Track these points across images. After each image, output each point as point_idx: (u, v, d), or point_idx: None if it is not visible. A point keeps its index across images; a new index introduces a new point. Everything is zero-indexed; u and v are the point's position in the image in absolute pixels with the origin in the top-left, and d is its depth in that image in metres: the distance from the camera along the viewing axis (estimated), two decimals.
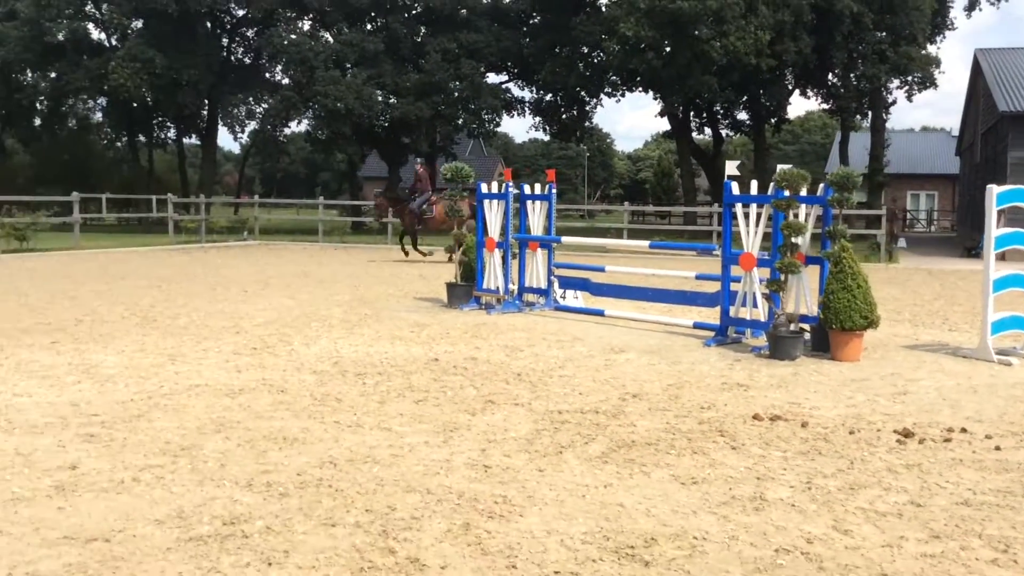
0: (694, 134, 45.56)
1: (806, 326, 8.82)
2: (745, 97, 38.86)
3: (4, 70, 42.46)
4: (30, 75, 44.95)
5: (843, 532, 4.01)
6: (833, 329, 8.22)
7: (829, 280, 8.36)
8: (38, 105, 46.58)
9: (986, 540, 3.93)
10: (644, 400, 6.58)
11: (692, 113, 42.10)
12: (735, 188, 9.27)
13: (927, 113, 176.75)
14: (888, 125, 40.58)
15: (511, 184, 11.71)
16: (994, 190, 8.45)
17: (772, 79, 34.74)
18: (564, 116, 45.00)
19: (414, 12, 42.51)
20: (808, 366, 8.01)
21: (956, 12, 60.29)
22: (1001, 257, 9.26)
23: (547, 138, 56.25)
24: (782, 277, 8.57)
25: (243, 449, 5.18)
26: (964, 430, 5.77)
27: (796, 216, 8.78)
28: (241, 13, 43.94)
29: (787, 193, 8.60)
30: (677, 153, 43.89)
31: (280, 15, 41.84)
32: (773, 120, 40.37)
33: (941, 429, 5.79)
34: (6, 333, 9.28)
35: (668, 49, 33.42)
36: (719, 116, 43.00)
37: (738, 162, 9.79)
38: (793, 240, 8.54)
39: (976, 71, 32.93)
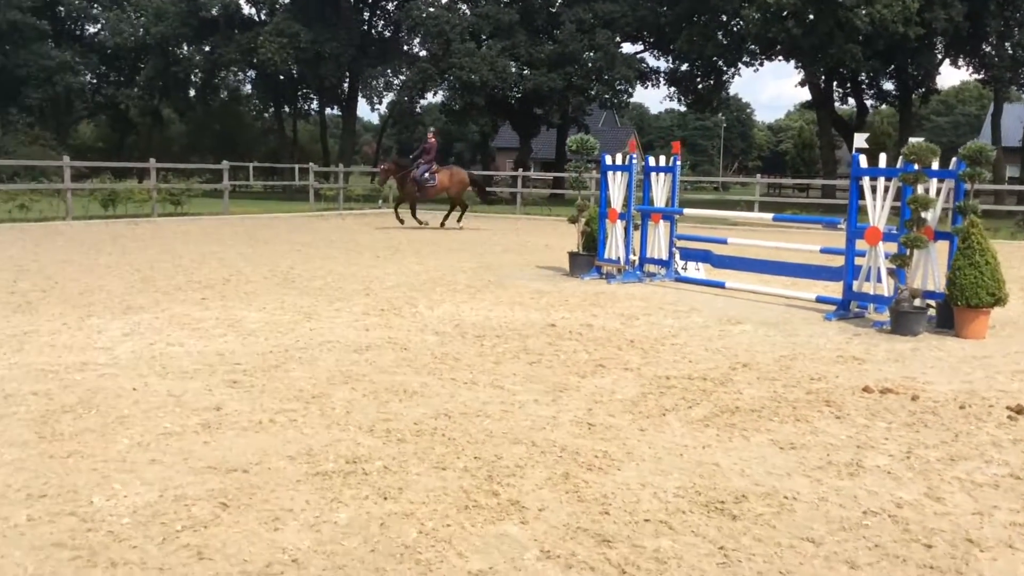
0: (837, 104, 43.99)
1: (932, 302, 8.64)
2: (892, 67, 37.21)
3: (162, 44, 45.07)
4: (186, 49, 47.56)
5: (935, 499, 4.07)
6: (958, 306, 8.04)
7: (956, 256, 8.16)
8: (193, 77, 49.24)
9: None
10: (754, 369, 6.68)
11: (835, 83, 40.63)
12: (863, 161, 9.11)
13: None
14: None
15: (635, 156, 11.81)
16: None
17: (920, 48, 33.17)
18: (700, 86, 44.29)
19: None
20: (930, 342, 7.88)
21: None
22: None
23: (683, 108, 55.41)
24: (907, 252, 8.42)
25: (367, 399, 5.61)
26: None
27: (927, 190, 8.58)
28: None
29: (916, 167, 8.40)
30: (818, 124, 42.46)
31: None
32: (921, 91, 38.51)
33: None
34: (162, 290, 10.12)
35: (811, 17, 32.33)
36: (863, 86, 41.32)
37: (866, 135, 9.57)
38: (921, 214, 8.36)
39: None
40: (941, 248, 8.79)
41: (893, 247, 8.75)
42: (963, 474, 4.43)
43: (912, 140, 8.51)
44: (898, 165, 8.69)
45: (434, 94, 43.84)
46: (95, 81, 52.37)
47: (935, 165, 8.60)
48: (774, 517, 3.85)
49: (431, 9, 40.53)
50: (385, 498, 3.97)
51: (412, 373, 6.32)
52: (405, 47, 45.56)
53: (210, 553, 3.40)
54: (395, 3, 45.73)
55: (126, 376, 6.06)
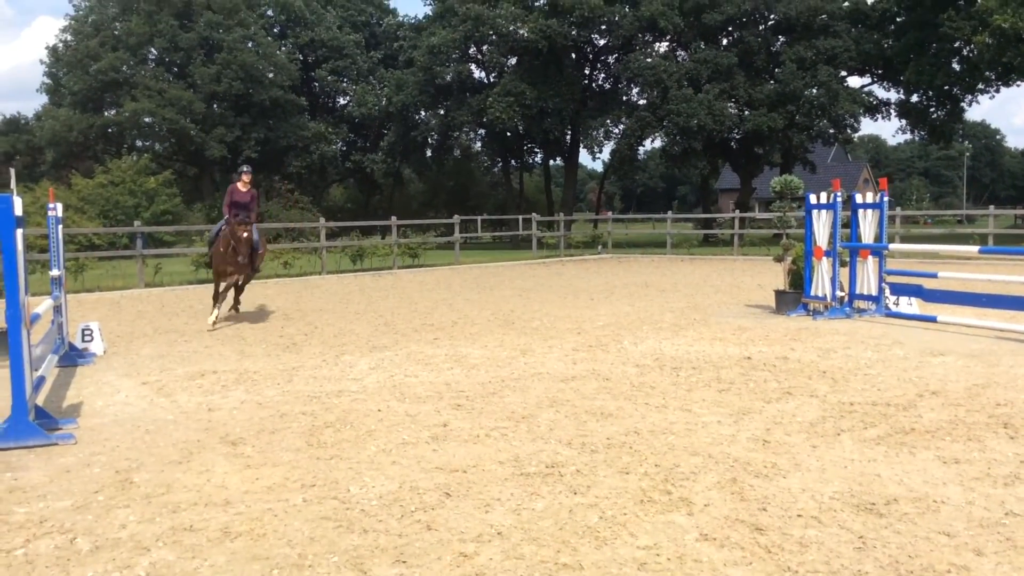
0: None
1: None
2: None
3: (403, 112, 49.03)
4: (423, 114, 51.39)
5: None
6: None
7: None
8: (429, 139, 52.99)
9: None
10: (941, 397, 6.91)
11: None
12: None
13: None
14: None
15: (839, 194, 12.04)
16: None
17: None
18: (933, 116, 42.34)
19: (770, 23, 42.53)
20: None
21: None
22: None
23: (917, 140, 52.92)
24: None
25: (568, 419, 6.46)
26: None
27: None
28: (602, 43, 46.76)
29: None
30: None
31: (638, 40, 43.93)
32: None
33: None
34: (401, 331, 11.54)
35: None
36: None
37: None
38: None
39: None
40: None
41: None
42: None
43: None
44: None
45: (652, 140, 44.76)
46: (345, 148, 57.66)
47: None
48: (918, 516, 4.30)
49: (648, 60, 41.56)
50: (575, 493, 4.79)
51: (610, 399, 7.11)
52: (624, 97, 46.85)
53: (436, 526, 4.35)
54: (615, 57, 47.22)
55: (372, 400, 7.28)
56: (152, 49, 49.70)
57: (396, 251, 26.20)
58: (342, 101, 57.64)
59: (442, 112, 49.01)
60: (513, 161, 55.36)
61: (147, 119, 46.70)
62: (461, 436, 6.06)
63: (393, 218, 27.22)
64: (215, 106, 48.84)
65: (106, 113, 48.83)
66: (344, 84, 55.22)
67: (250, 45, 49.02)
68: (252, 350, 10.19)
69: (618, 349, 9.60)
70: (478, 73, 49.58)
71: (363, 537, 4.23)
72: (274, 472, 5.32)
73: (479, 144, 55.11)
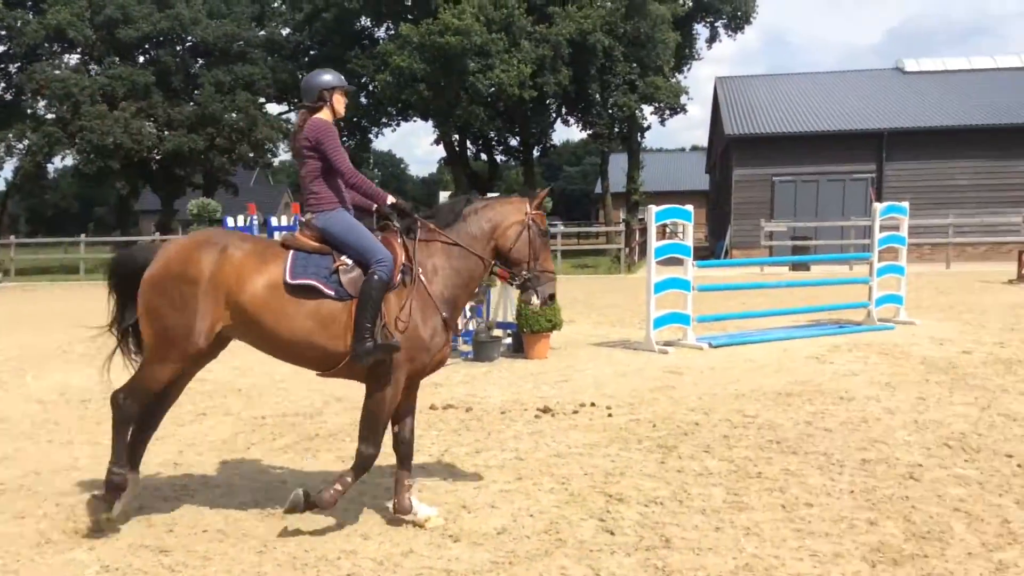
0: (474, 160, 47.56)
1: (507, 331, 10.16)
2: (518, 127, 41.02)
3: None
4: None
5: (443, 479, 5.19)
6: (524, 332, 9.59)
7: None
8: None
9: (556, 477, 5.22)
10: (346, 402, 7.59)
11: (468, 140, 43.96)
12: None
13: (702, 133, 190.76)
14: (660, 145, 43.88)
15: (255, 217, 12.46)
16: (652, 210, 10.13)
17: (537, 108, 36.96)
18: (345, 145, 45.89)
19: (188, 45, 42.11)
20: (502, 365, 9.32)
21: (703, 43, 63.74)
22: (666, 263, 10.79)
23: None
24: (483, 290, 9.86)
25: None
26: (593, 404, 7.18)
27: None
28: (2, 50, 41.84)
29: None
30: (452, 179, 45.58)
31: (44, 50, 40.25)
32: (539, 146, 42.88)
33: (576, 405, 7.16)
34: None
35: (441, 82, 34.88)
36: (493, 143, 45.13)
37: (450, 192, 11.06)
38: None
39: (716, 97, 36.53)
40: None
41: None
42: (480, 461, 5.62)
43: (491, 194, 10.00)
44: None
45: (63, 158, 41.32)
46: None
47: None
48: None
49: (57, 72, 38.38)
50: None
51: (8, 441, 6.49)
52: (29, 110, 42.47)
53: None
54: (17, 66, 42.60)
55: None
56: None
57: None
58: None
59: None
60: None
61: None
62: None
63: None
64: None
65: None
66: None
67: None
68: None
69: (19, 385, 8.76)
70: None
71: None
72: None
73: None
